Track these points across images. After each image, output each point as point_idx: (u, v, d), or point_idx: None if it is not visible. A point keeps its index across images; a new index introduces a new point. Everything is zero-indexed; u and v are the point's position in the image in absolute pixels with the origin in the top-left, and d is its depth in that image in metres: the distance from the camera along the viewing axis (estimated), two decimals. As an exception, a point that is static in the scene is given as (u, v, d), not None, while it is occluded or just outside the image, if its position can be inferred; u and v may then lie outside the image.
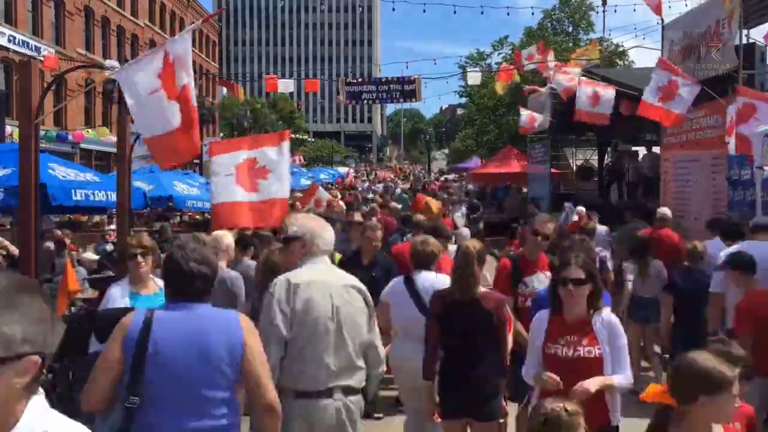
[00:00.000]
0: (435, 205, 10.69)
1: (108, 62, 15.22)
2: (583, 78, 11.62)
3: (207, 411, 2.50)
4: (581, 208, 10.51)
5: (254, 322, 2.86)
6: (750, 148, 6.29)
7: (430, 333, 3.91)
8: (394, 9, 28.57)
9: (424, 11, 23.62)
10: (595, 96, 10.68)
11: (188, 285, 2.60)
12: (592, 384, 3.07)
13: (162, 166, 5.30)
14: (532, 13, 60.19)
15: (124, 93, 4.80)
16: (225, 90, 21.88)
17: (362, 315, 3.29)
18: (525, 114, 15.02)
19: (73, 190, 7.32)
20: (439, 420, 3.90)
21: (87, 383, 2.57)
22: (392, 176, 54.59)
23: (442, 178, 44.82)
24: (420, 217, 8.29)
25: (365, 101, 17.35)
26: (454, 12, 22.72)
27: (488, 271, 5.17)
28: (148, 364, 2.46)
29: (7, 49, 26.01)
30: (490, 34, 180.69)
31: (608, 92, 10.69)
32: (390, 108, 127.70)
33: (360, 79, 20.91)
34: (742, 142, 6.59)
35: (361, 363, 3.25)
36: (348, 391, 3.18)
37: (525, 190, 19.64)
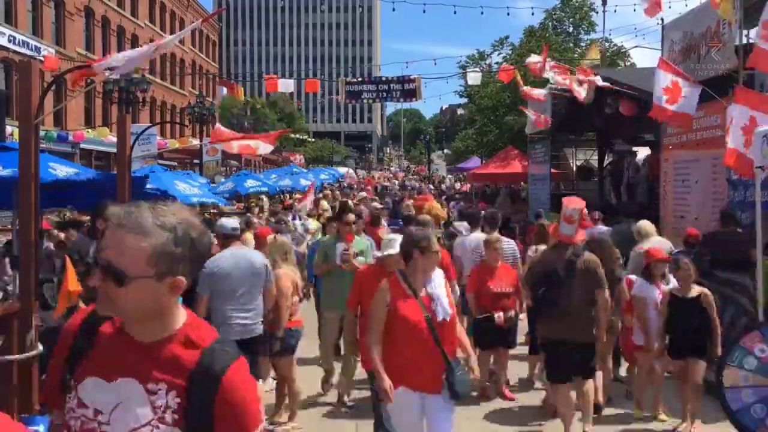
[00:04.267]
0: (437, 209, 10.74)
1: (108, 62, 15.19)
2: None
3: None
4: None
5: None
6: (747, 166, 5.81)
7: None
8: (394, 9, 28.55)
9: (424, 11, 23.59)
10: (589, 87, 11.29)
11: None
12: None
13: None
14: (532, 14, 60.25)
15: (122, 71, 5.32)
16: (225, 90, 21.87)
17: None
18: (531, 114, 15.16)
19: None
20: None
21: None
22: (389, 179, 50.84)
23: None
24: (426, 216, 8.20)
25: (365, 100, 17.37)
26: (454, 12, 22.67)
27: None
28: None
29: (7, 49, 26.02)
30: (490, 34, 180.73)
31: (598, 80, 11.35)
32: (390, 108, 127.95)
33: (360, 79, 20.88)
34: (740, 161, 5.98)
35: None
36: None
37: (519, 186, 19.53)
